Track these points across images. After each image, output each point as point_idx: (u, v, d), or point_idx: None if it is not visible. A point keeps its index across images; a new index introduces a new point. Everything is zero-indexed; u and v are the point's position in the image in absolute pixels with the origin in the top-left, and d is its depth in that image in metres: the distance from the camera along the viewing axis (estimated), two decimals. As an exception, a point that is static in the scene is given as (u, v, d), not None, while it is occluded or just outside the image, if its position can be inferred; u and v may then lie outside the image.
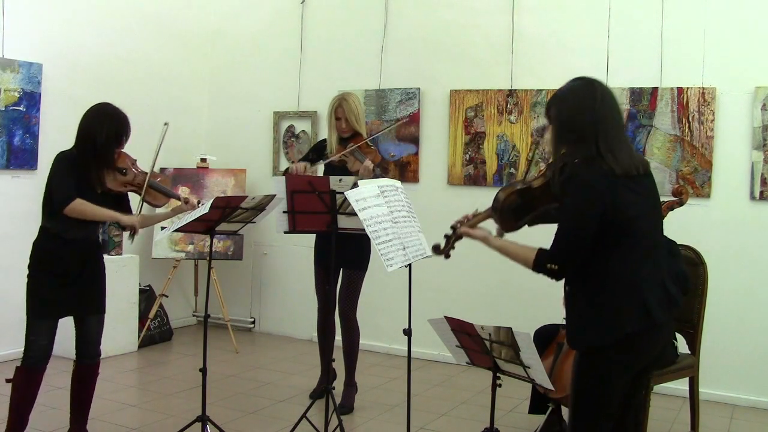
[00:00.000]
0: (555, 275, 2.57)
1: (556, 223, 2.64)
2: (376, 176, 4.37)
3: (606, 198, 2.46)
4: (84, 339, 3.69)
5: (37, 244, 3.61)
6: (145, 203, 3.71)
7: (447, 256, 2.97)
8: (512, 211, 2.71)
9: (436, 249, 2.98)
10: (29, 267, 3.59)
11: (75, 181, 3.49)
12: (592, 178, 2.48)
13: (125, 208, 3.73)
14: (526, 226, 2.87)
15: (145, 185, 3.64)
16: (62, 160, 3.56)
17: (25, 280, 3.58)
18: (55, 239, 3.54)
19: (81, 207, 3.46)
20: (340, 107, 4.51)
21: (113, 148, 3.57)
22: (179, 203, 3.78)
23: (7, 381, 3.57)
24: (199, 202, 3.81)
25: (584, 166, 2.50)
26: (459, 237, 2.89)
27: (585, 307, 2.56)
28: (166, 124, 3.68)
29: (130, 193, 3.75)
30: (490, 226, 2.91)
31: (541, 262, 2.57)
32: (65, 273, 3.55)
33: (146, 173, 3.67)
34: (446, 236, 2.94)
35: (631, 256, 2.51)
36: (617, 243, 2.49)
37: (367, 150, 4.45)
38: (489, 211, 2.81)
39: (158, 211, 3.90)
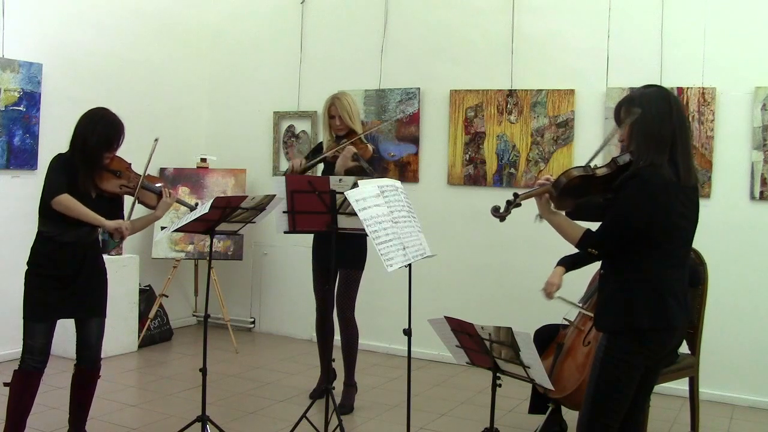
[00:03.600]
0: (593, 257, 2.89)
1: (594, 221, 2.85)
2: (361, 168, 4.31)
3: (659, 203, 2.63)
4: (84, 343, 3.68)
5: (33, 248, 3.61)
6: (140, 205, 3.73)
7: (503, 219, 3.06)
8: (570, 192, 2.85)
9: (496, 210, 3.04)
10: (26, 270, 3.60)
11: (67, 180, 3.50)
12: (652, 182, 2.63)
13: (117, 213, 3.71)
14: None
15: (138, 186, 3.64)
16: (57, 160, 3.59)
17: (23, 282, 3.58)
18: (50, 242, 3.54)
19: (68, 202, 3.45)
20: (333, 105, 4.54)
21: (102, 152, 3.56)
22: (165, 199, 3.75)
23: (5, 384, 3.56)
24: (197, 204, 3.79)
25: (649, 170, 2.65)
26: (518, 204, 3.01)
27: (613, 294, 2.76)
28: (156, 139, 3.68)
29: (129, 200, 3.74)
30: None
31: (585, 243, 2.78)
32: (61, 276, 3.55)
33: (140, 175, 3.68)
34: (507, 201, 3.03)
35: (666, 260, 2.70)
36: (657, 245, 2.68)
37: (360, 145, 4.46)
38: (548, 186, 2.92)
39: (145, 213, 3.91)
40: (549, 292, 3.93)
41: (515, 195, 3.00)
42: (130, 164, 3.73)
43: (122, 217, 3.74)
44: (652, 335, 2.69)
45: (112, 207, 3.70)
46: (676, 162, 2.67)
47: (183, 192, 6.30)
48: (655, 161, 2.65)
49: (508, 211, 3.02)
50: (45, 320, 3.54)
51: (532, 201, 2.96)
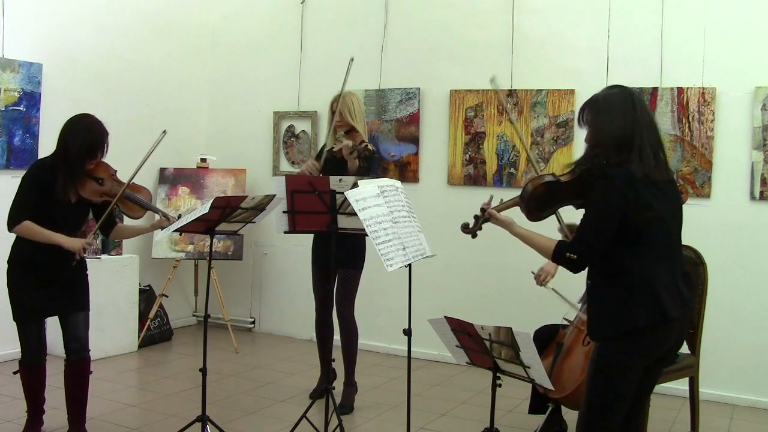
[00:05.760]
0: (573, 265, 2.71)
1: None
2: (360, 156, 4.35)
3: (628, 197, 2.61)
4: (72, 336, 3.76)
5: (14, 248, 3.71)
6: (124, 215, 3.82)
7: (474, 235, 3.09)
8: (538, 202, 2.84)
9: (465, 228, 3.05)
10: (7, 271, 3.69)
11: (36, 197, 3.54)
12: (617, 178, 2.63)
13: (110, 215, 3.80)
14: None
15: (117, 197, 3.65)
16: (32, 171, 3.64)
17: (5, 281, 3.69)
18: (29, 243, 3.62)
19: (27, 230, 3.53)
20: (336, 102, 4.59)
21: (84, 160, 3.59)
22: (159, 218, 3.82)
23: (14, 373, 3.82)
24: (180, 217, 3.86)
25: (612, 167, 2.66)
26: (487, 219, 3.02)
27: (602, 300, 2.74)
28: (164, 132, 3.71)
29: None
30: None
31: (561, 252, 2.72)
32: (41, 276, 3.63)
33: (123, 184, 3.71)
34: (475, 216, 3.04)
35: (648, 255, 2.67)
36: (635, 242, 2.65)
37: (354, 134, 4.52)
38: (516, 199, 2.94)
39: (138, 223, 4.00)
40: (543, 279, 3.92)
41: (483, 210, 3.01)
42: (116, 171, 3.75)
43: (115, 222, 3.88)
44: (648, 333, 2.66)
45: (97, 212, 3.77)
46: (641, 159, 2.66)
47: (183, 192, 6.30)
48: (617, 159, 2.66)
49: (477, 226, 3.04)
50: (32, 321, 3.69)
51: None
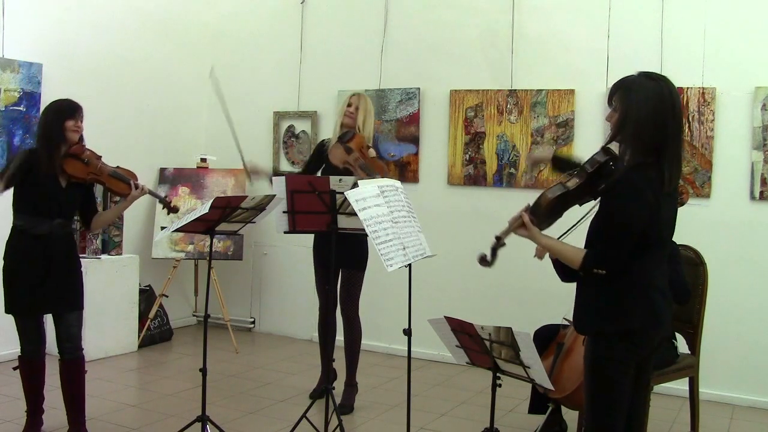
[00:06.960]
0: (602, 276, 2.62)
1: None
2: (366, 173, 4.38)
3: (652, 207, 2.54)
4: (65, 335, 3.78)
5: (8, 242, 3.76)
6: (113, 192, 3.95)
7: (492, 265, 3.01)
8: (550, 212, 2.80)
9: (483, 260, 2.99)
10: (3, 266, 3.75)
11: (25, 170, 3.66)
12: (644, 186, 2.54)
13: (92, 203, 3.93)
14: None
15: (105, 174, 3.79)
16: (20, 152, 3.85)
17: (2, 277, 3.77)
18: (24, 236, 3.68)
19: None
20: (355, 96, 4.59)
21: (60, 123, 3.69)
22: (132, 192, 3.88)
23: (14, 369, 3.88)
24: (164, 199, 4.03)
25: (636, 172, 2.55)
26: (503, 244, 2.94)
27: (597, 297, 2.68)
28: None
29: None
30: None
31: (589, 266, 2.62)
32: (34, 272, 3.67)
33: (108, 166, 3.81)
34: (492, 248, 2.96)
35: (647, 257, 2.63)
36: (648, 248, 2.60)
37: (375, 164, 4.42)
38: (528, 216, 2.85)
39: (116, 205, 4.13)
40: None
41: (497, 237, 2.93)
42: (101, 156, 3.84)
43: (96, 209, 4.00)
44: (641, 333, 2.66)
45: (87, 197, 3.88)
46: (662, 167, 2.56)
47: (183, 192, 6.30)
48: (641, 162, 2.55)
49: (495, 256, 2.96)
50: (26, 316, 3.74)
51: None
